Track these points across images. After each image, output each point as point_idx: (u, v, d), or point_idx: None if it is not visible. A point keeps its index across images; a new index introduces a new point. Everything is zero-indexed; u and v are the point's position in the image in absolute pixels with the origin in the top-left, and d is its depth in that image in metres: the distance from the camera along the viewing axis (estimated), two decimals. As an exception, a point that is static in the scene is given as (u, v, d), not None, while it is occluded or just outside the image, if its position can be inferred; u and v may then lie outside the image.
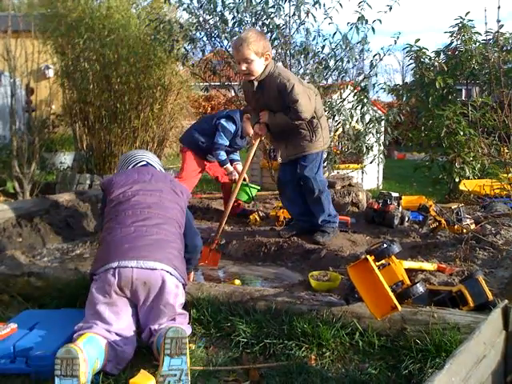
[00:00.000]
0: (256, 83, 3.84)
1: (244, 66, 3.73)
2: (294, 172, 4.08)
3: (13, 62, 6.23)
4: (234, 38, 5.83)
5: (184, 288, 2.53)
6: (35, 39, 6.49)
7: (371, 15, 5.70)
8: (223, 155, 4.94)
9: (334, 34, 5.87)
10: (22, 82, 6.74)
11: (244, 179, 4.40)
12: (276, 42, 5.87)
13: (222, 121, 4.92)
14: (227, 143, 4.94)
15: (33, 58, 6.40)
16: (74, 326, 2.36)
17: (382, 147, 6.63)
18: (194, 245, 2.89)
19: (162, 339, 2.10)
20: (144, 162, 3.00)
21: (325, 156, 6.27)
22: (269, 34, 5.83)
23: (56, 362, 1.97)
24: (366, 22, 5.70)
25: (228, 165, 4.99)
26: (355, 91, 6.05)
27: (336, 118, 6.06)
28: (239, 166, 5.12)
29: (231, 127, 4.92)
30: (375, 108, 7.17)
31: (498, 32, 5.03)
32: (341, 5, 5.67)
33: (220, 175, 5.28)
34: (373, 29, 5.73)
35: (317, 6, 5.71)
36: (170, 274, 2.40)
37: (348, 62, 5.93)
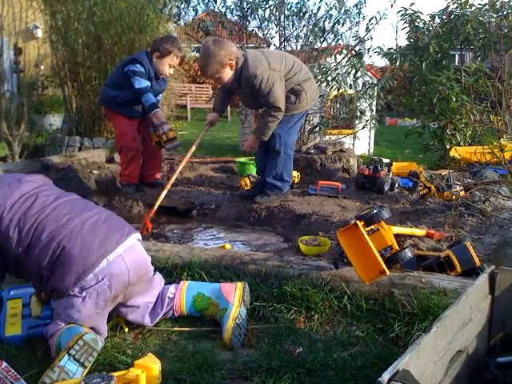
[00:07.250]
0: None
1: (213, 80, 4.12)
2: None
3: None
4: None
5: None
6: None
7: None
8: (151, 97, 4.31)
9: None
10: (10, 42, 6.59)
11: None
12: (271, 2, 5.78)
13: (129, 66, 4.34)
14: (148, 83, 4.34)
15: (20, 17, 6.24)
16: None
17: (374, 113, 6.60)
18: None
19: (241, 287, 2.31)
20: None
21: (316, 120, 6.26)
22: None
23: (78, 342, 1.84)
24: None
25: (158, 110, 4.37)
26: (349, 56, 5.99)
27: (329, 81, 6.00)
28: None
29: (140, 68, 4.32)
30: (369, 73, 7.11)
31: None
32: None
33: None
34: None
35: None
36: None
37: (343, 25, 5.85)
